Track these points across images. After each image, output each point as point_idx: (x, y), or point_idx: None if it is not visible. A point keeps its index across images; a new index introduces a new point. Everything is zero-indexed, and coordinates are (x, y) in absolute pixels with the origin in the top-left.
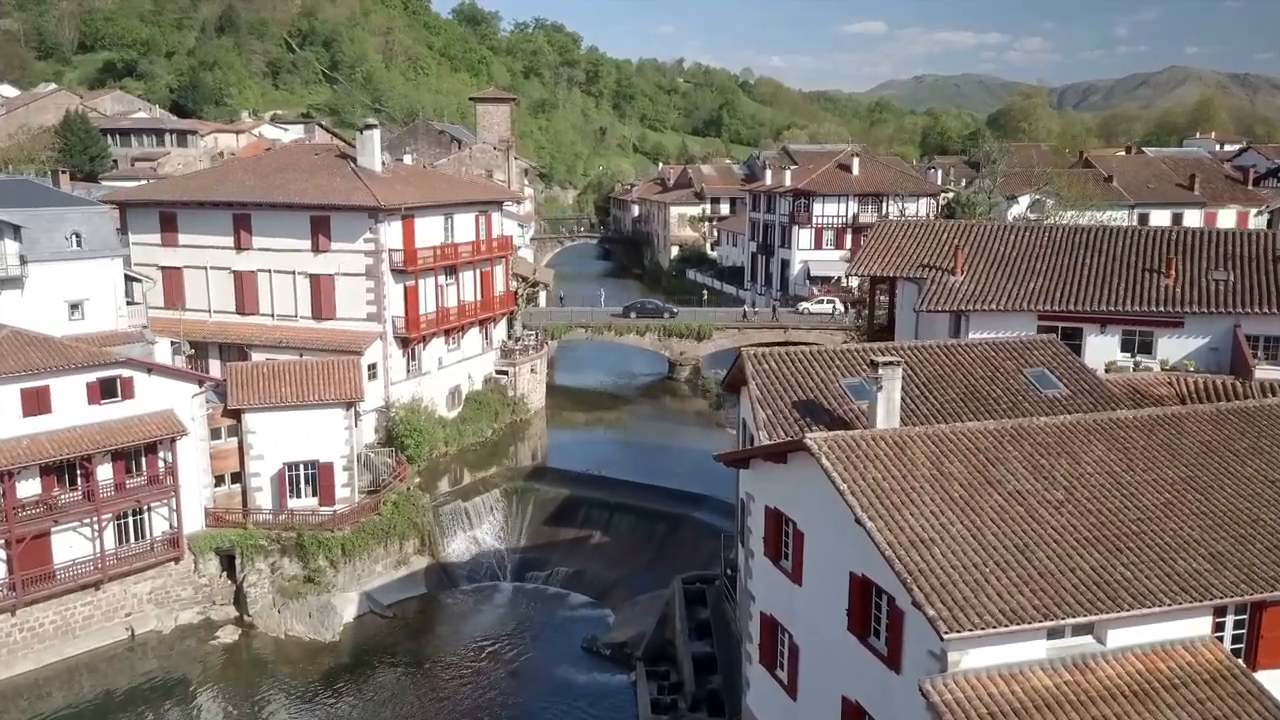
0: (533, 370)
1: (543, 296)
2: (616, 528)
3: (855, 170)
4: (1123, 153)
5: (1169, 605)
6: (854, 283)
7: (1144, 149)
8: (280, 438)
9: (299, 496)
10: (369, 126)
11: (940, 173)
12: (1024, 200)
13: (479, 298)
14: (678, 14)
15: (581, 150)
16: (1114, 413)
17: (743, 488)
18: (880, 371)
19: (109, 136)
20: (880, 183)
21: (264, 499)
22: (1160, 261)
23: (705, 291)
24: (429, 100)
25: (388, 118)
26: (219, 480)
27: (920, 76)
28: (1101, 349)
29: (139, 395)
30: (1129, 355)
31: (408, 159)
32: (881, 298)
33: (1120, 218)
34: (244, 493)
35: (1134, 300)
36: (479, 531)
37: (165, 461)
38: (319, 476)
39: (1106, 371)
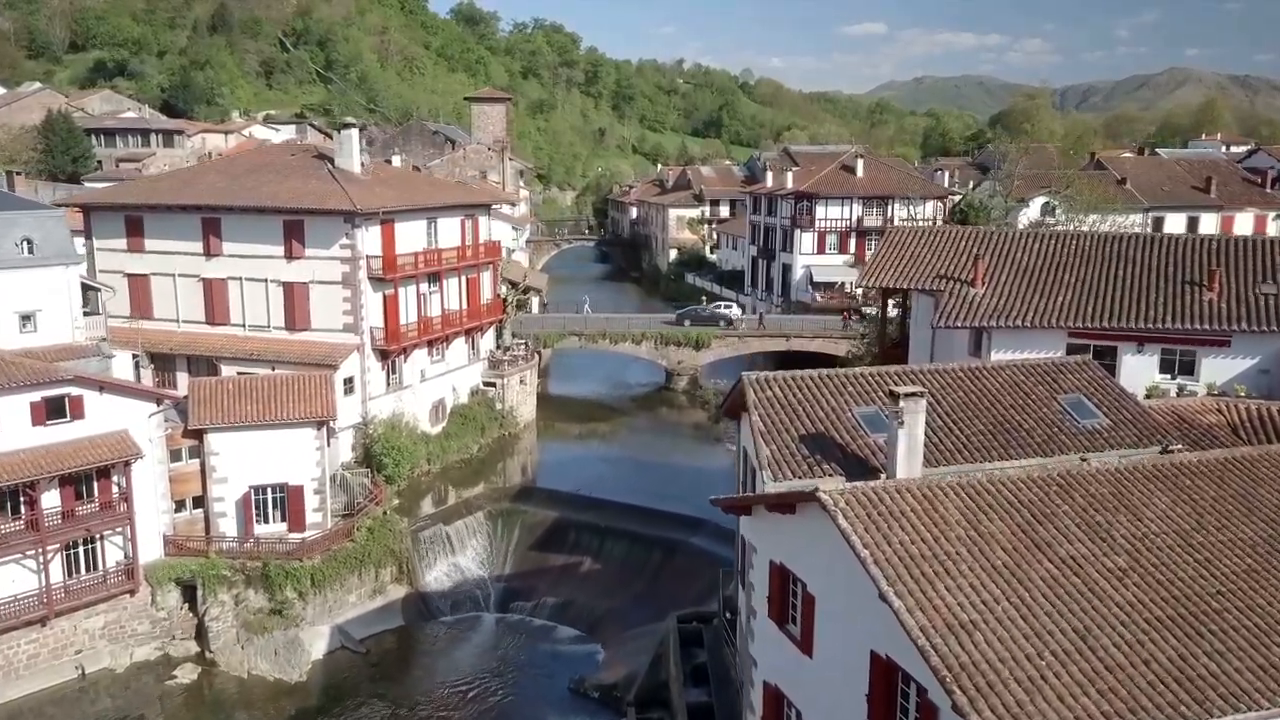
0: (522, 381)
1: (535, 302)
2: (608, 554)
3: (859, 172)
4: (1128, 154)
5: (1268, 709)
6: (857, 289)
7: (1156, 150)
8: (246, 459)
9: (266, 522)
10: (347, 125)
11: (947, 174)
12: (1035, 203)
13: (465, 306)
14: (678, 15)
15: (580, 151)
16: (1175, 455)
17: (743, 532)
18: (901, 404)
19: (93, 137)
20: (885, 185)
21: (228, 525)
22: (1202, 273)
23: (704, 297)
24: (425, 100)
25: (382, 118)
26: (180, 505)
27: (920, 78)
28: (1138, 370)
29: (90, 415)
30: (1168, 377)
31: (396, 160)
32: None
33: (1135, 222)
34: (207, 519)
35: (1175, 316)
36: (461, 558)
37: (119, 486)
38: (288, 500)
39: (1148, 397)
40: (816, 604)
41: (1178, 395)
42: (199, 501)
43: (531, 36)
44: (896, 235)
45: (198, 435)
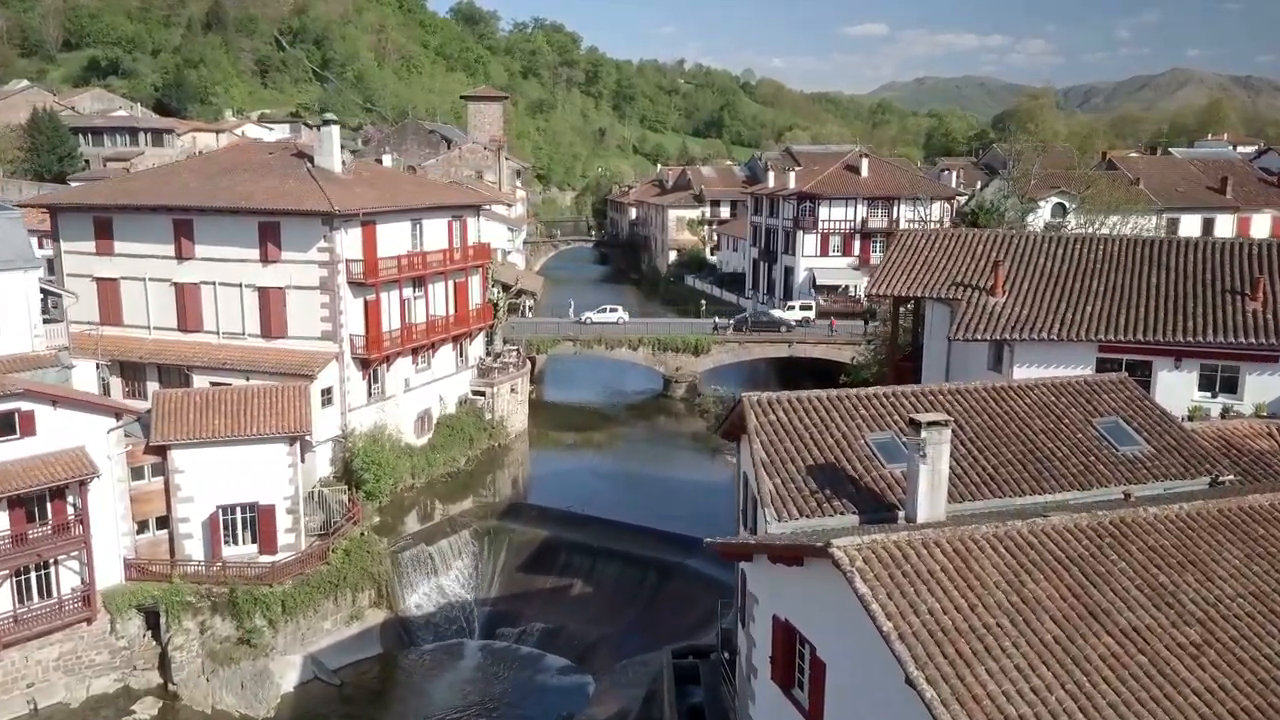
0: (513, 390)
1: (529, 306)
2: (600, 576)
3: (864, 172)
4: (1134, 154)
5: None
6: (862, 293)
7: (1169, 150)
8: (213, 477)
9: (235, 544)
10: (328, 122)
11: (955, 174)
12: (1046, 204)
13: (452, 312)
14: (678, 15)
15: (580, 151)
16: (1243, 497)
17: (745, 579)
18: (923, 435)
19: (81, 136)
20: (890, 185)
21: (194, 547)
22: (1243, 280)
23: (703, 301)
24: (422, 100)
25: (379, 117)
26: (142, 527)
27: (921, 78)
28: (1175, 388)
29: (42, 431)
30: (1209, 395)
31: (387, 159)
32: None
33: (1149, 224)
34: (171, 540)
35: (1216, 329)
36: (445, 579)
37: (74, 507)
38: (258, 521)
39: (1189, 418)
40: (828, 672)
41: (1222, 417)
42: (163, 522)
43: (531, 36)
44: (907, 239)
45: (161, 452)
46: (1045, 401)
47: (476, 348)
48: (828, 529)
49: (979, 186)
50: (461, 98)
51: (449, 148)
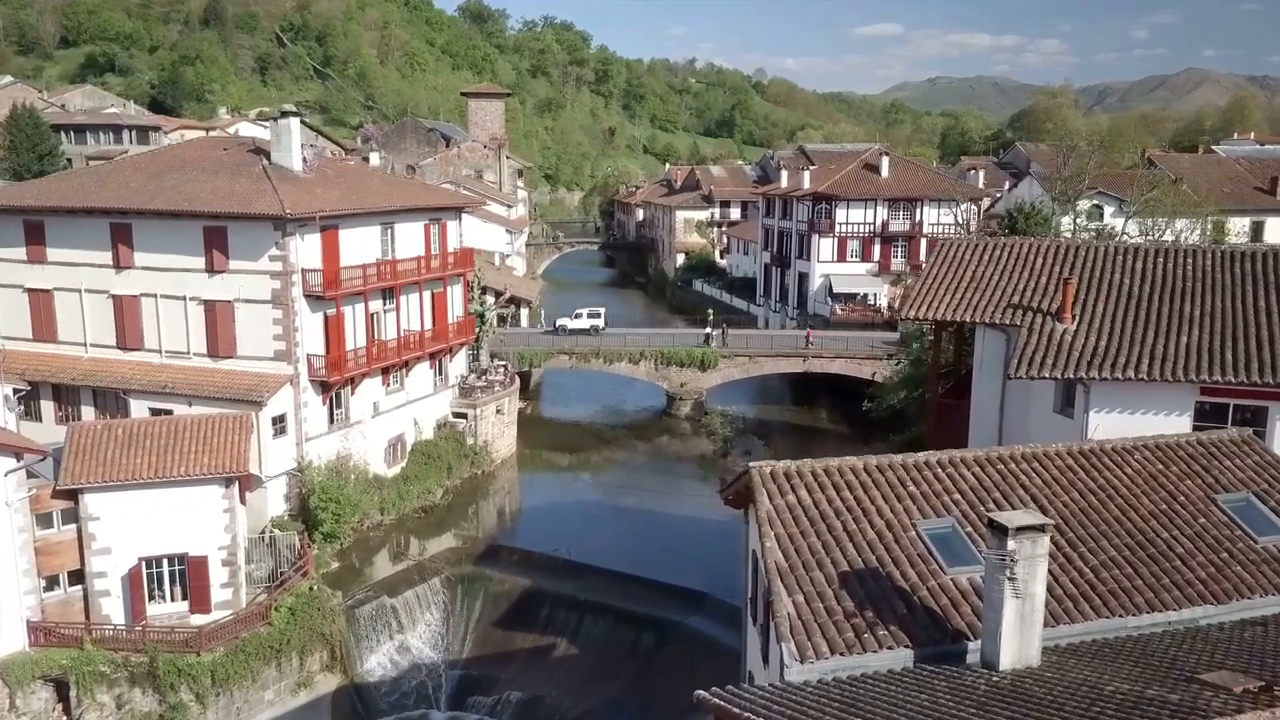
0: (499, 411)
1: (525, 315)
2: (587, 636)
3: (884, 171)
4: (1158, 152)
5: None
6: (882, 301)
7: (1213, 148)
8: (135, 525)
9: (163, 601)
10: (286, 114)
11: (981, 174)
12: (1081, 206)
13: (429, 326)
14: (690, 16)
15: (589, 151)
16: None
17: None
18: (1012, 544)
19: (63, 133)
20: (913, 185)
21: (114, 606)
22: None
23: (710, 310)
24: (424, 98)
25: (380, 115)
26: (51, 583)
27: (934, 78)
28: None
29: None
30: None
31: (374, 158)
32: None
33: (1179, 226)
34: (86, 599)
35: None
36: (411, 637)
37: None
38: (189, 574)
39: None
40: None
41: None
42: (77, 577)
43: (541, 35)
44: (950, 250)
45: (73, 496)
46: (1151, 471)
47: (458, 365)
48: (871, 672)
49: (1007, 187)
50: (462, 94)
51: (448, 146)
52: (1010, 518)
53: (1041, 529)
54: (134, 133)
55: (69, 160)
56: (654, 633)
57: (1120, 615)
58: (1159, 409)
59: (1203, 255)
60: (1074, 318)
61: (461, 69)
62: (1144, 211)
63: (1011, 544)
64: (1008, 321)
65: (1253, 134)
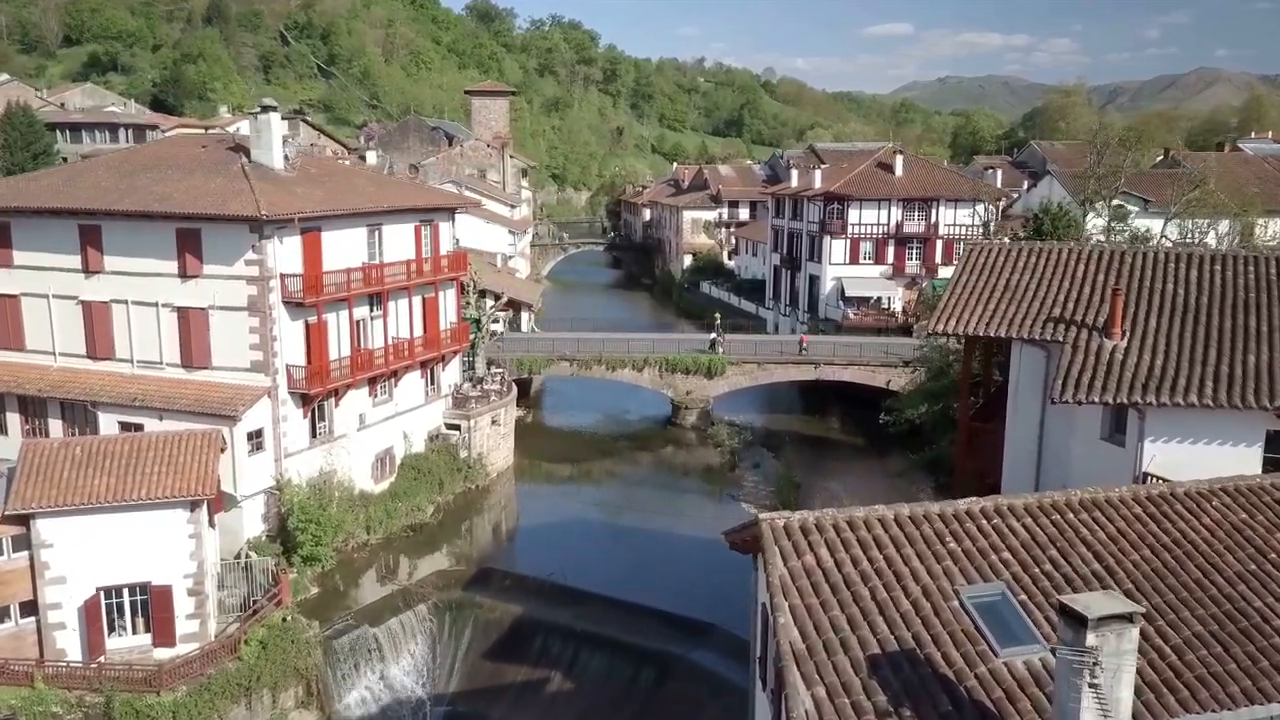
0: (494, 422)
1: (525, 319)
2: (583, 670)
3: (898, 170)
4: (1183, 151)
5: None
6: (896, 305)
7: (1238, 146)
8: (92, 552)
9: (124, 634)
10: (266, 109)
11: (999, 174)
12: (1104, 207)
13: (419, 333)
14: (700, 15)
15: (597, 150)
16: None
17: None
18: (1092, 638)
19: (59, 132)
20: (929, 185)
21: (69, 640)
22: None
23: (718, 315)
24: (429, 97)
25: (384, 114)
26: (1, 615)
27: (944, 78)
28: None
29: None
30: None
31: (371, 156)
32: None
33: (1222, 229)
34: (39, 632)
35: None
36: (394, 669)
37: None
38: (152, 605)
39: None
40: None
41: None
42: (30, 608)
43: (548, 34)
44: (981, 255)
45: (24, 521)
46: (1233, 521)
47: (451, 373)
48: None
49: (1025, 187)
50: (465, 92)
51: (451, 145)
52: (1089, 603)
53: (1129, 618)
54: (130, 131)
55: (64, 159)
56: (655, 668)
57: (1214, 709)
58: (1224, 438)
59: (1266, 263)
60: (1124, 333)
61: (468, 68)
62: (1185, 213)
63: (1092, 638)
64: (1049, 337)
65: (1270, 133)
